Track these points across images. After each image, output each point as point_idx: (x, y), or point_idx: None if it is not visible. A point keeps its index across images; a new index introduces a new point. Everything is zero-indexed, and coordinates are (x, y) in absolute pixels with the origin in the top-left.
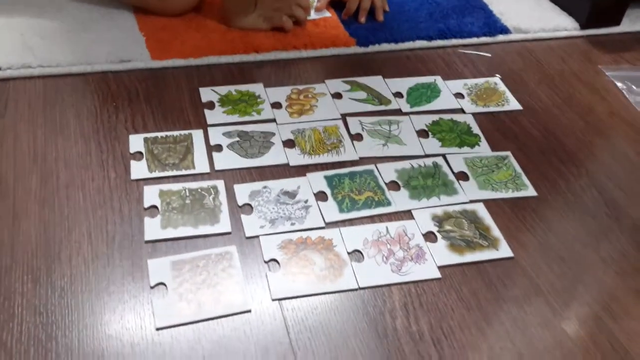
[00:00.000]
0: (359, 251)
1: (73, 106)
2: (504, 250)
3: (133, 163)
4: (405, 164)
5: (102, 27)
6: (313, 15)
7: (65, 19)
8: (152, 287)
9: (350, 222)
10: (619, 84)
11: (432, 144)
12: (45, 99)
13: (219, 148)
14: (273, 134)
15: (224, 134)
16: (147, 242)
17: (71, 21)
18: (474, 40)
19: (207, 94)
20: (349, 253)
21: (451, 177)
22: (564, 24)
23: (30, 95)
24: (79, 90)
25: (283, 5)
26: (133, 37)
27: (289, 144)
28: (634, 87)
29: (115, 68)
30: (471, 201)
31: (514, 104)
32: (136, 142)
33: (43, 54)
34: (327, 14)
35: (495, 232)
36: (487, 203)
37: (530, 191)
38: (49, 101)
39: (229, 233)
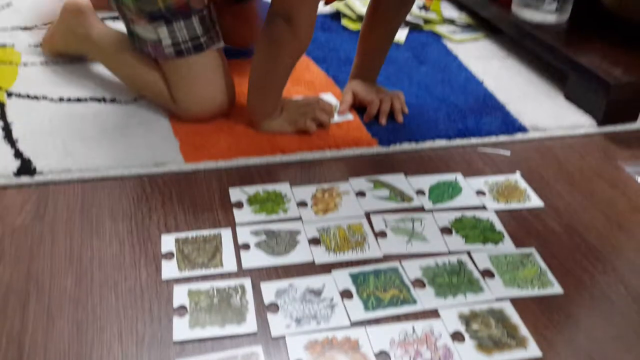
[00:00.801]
0: (385, 352)
1: (109, 208)
2: (533, 350)
3: (164, 263)
4: (430, 262)
5: (139, 132)
6: (336, 118)
7: (105, 125)
8: None
9: (376, 321)
10: (639, 179)
11: (456, 241)
12: (82, 202)
13: (246, 247)
14: (299, 232)
15: (251, 233)
16: (176, 342)
17: (110, 127)
18: (493, 139)
19: (236, 194)
20: (375, 355)
21: (476, 274)
22: (580, 122)
23: (69, 198)
24: (115, 193)
25: (308, 110)
26: (168, 141)
27: (314, 241)
28: None
29: (151, 171)
30: (497, 299)
31: (535, 201)
32: (168, 242)
33: (82, 159)
34: (350, 116)
35: (523, 330)
36: (514, 301)
37: (556, 288)
38: (86, 204)
39: (254, 333)
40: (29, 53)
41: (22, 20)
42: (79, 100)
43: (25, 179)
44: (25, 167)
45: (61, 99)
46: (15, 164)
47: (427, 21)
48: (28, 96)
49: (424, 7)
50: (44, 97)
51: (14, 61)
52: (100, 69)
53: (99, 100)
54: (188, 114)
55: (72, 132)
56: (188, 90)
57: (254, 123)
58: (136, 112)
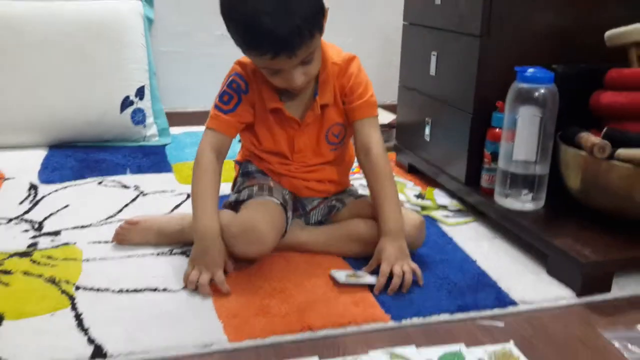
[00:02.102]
0: None
1: None
2: None
3: None
4: None
5: (188, 317)
6: (360, 274)
7: (160, 311)
8: None
9: None
10: (617, 344)
11: None
12: None
13: None
14: None
15: None
16: None
17: (164, 313)
18: (488, 312)
19: None
20: None
21: None
22: (562, 294)
23: None
24: None
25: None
26: (213, 324)
27: None
28: (629, 345)
29: (200, 351)
30: None
31: None
32: None
33: (143, 343)
34: (369, 279)
35: None
36: None
37: None
38: None
39: None
40: (89, 249)
41: (80, 219)
42: (136, 290)
43: None
44: (98, 352)
45: (121, 290)
46: (89, 349)
47: (423, 207)
48: (93, 289)
49: (420, 196)
50: (107, 289)
51: (78, 257)
52: (149, 261)
53: (152, 290)
54: (239, 231)
55: (133, 320)
56: (241, 214)
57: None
58: (186, 300)
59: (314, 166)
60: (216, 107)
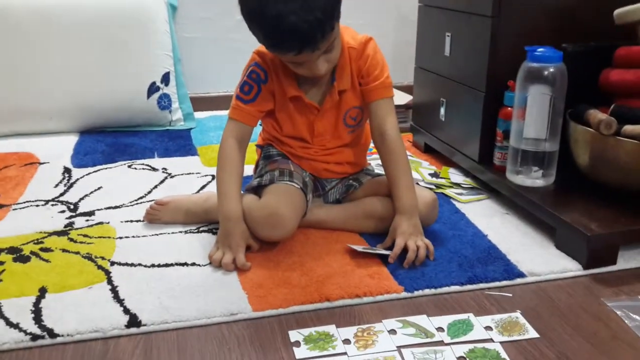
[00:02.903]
0: None
1: (199, 350)
2: None
3: None
4: None
5: (215, 288)
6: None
7: (189, 284)
8: None
9: None
10: (619, 312)
11: None
12: (178, 345)
13: None
14: None
15: None
16: None
17: (193, 285)
18: (497, 283)
19: (294, 335)
20: None
21: None
22: (569, 266)
23: (167, 343)
24: (202, 337)
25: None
26: (238, 295)
27: None
28: (631, 314)
29: (227, 319)
30: None
31: (532, 333)
32: None
33: (175, 312)
34: (385, 251)
35: None
36: None
37: None
38: (181, 346)
39: None
40: (122, 228)
41: (112, 200)
42: (166, 265)
43: (133, 330)
44: (133, 321)
45: (153, 265)
46: (125, 318)
47: (438, 186)
48: (127, 264)
49: (435, 174)
50: (140, 264)
51: (112, 235)
52: (177, 238)
53: (182, 264)
54: (262, 215)
55: (165, 291)
56: (265, 198)
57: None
58: (212, 273)
59: (332, 149)
60: (237, 97)
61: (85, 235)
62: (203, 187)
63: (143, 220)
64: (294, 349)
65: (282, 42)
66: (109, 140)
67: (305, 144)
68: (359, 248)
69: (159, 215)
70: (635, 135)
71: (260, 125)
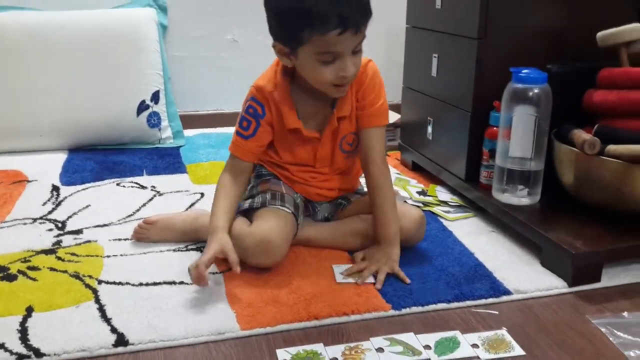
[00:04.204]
0: None
1: None
2: None
3: None
4: None
5: (203, 308)
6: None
7: (176, 303)
8: None
9: None
10: (603, 329)
11: None
12: None
13: None
14: None
15: None
16: None
17: (181, 304)
18: (484, 301)
19: (282, 354)
20: None
21: None
22: (554, 284)
23: None
24: (190, 356)
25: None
26: (226, 314)
27: None
28: (615, 331)
29: (214, 338)
30: None
31: (518, 350)
32: None
33: (162, 332)
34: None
35: None
36: None
37: None
38: None
39: None
40: (109, 247)
41: (100, 219)
42: (154, 283)
43: (120, 349)
44: (120, 340)
45: (140, 284)
46: (112, 337)
47: (425, 204)
48: (114, 283)
49: (423, 192)
50: (127, 283)
51: (100, 254)
52: (166, 257)
53: (170, 283)
54: (253, 242)
55: (152, 310)
56: (256, 224)
57: None
58: (200, 292)
59: (327, 174)
60: (237, 133)
61: (73, 254)
62: (192, 204)
63: (131, 239)
64: None
65: (327, 15)
66: (98, 158)
67: (307, 168)
68: (339, 277)
69: (147, 234)
70: (618, 155)
71: None
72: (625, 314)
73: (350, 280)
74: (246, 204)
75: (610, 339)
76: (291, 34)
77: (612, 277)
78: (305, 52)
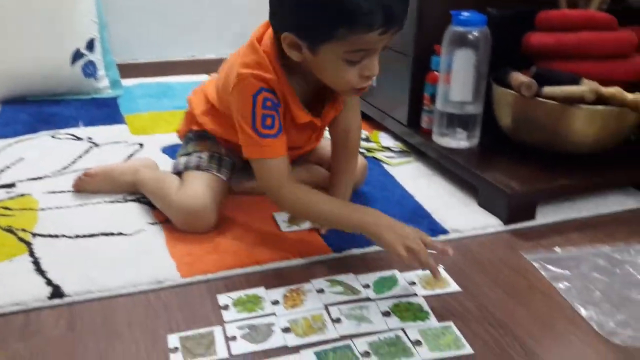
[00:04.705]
0: None
1: (125, 319)
2: None
3: (172, 356)
4: (375, 338)
5: (142, 258)
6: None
7: (115, 254)
8: None
9: None
10: (535, 264)
11: (393, 321)
12: (104, 315)
13: (234, 338)
14: (274, 324)
15: (237, 327)
16: None
17: (119, 255)
18: None
19: (223, 299)
20: None
21: (409, 344)
22: (490, 222)
23: (92, 313)
24: (129, 306)
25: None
26: (166, 263)
27: (286, 330)
28: (547, 265)
29: (154, 287)
30: None
31: (454, 287)
32: (173, 340)
33: (99, 282)
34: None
35: None
36: None
37: (467, 349)
38: (107, 316)
39: None
40: (44, 199)
41: (35, 171)
42: (92, 235)
43: (57, 301)
44: (56, 292)
45: (77, 236)
46: (48, 290)
47: (369, 149)
48: (49, 235)
49: (366, 139)
50: (63, 235)
51: (34, 207)
52: (103, 208)
53: (107, 234)
54: (179, 213)
55: (89, 261)
56: (183, 191)
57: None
58: (139, 242)
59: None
60: (263, 135)
61: (5, 208)
62: (131, 155)
63: (72, 190)
64: (223, 311)
65: (374, 14)
66: (31, 110)
67: (294, 151)
68: (283, 227)
69: (85, 186)
70: (554, 96)
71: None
72: (556, 248)
73: (295, 227)
74: (182, 162)
75: (542, 272)
76: (322, 29)
77: (546, 215)
78: (331, 48)
